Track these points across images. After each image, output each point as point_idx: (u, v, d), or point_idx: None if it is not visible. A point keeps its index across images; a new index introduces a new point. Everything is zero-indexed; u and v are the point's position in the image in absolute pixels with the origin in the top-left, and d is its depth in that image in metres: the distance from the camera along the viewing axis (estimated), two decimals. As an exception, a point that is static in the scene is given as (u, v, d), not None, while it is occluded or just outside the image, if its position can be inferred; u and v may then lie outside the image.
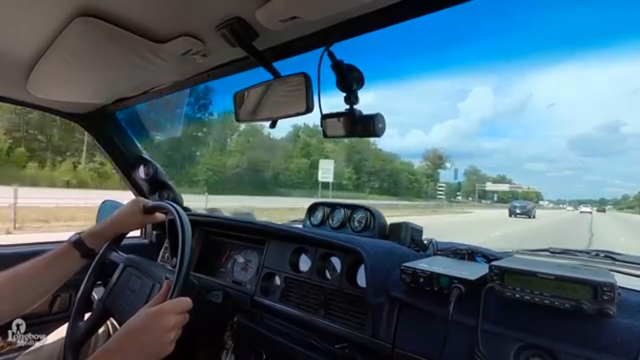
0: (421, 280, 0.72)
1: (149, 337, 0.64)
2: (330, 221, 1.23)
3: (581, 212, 45.25)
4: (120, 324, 0.86)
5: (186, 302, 0.70)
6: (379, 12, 0.63)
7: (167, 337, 0.65)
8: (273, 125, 0.91)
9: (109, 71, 0.92)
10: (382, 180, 55.43)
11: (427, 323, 0.72)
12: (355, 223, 1.16)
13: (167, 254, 1.38)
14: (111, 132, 1.42)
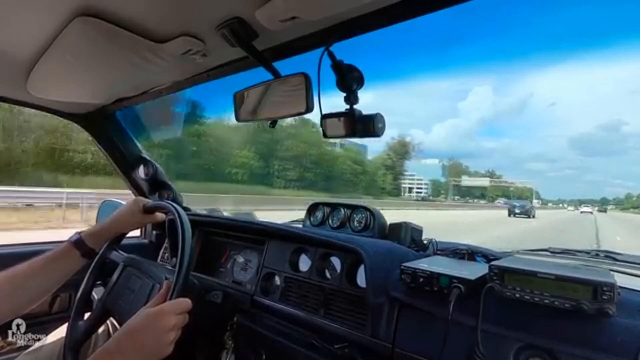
0: (421, 280, 0.72)
1: (149, 338, 0.64)
2: (330, 221, 1.23)
3: (581, 212, 45.26)
4: (120, 324, 0.86)
5: (186, 302, 0.70)
6: (379, 12, 0.63)
7: (166, 337, 0.65)
8: (273, 125, 0.91)
9: (109, 71, 0.92)
10: (304, 170, 39.47)
11: (427, 323, 0.72)
12: (355, 223, 1.16)
13: (167, 254, 1.38)
14: (111, 132, 1.42)
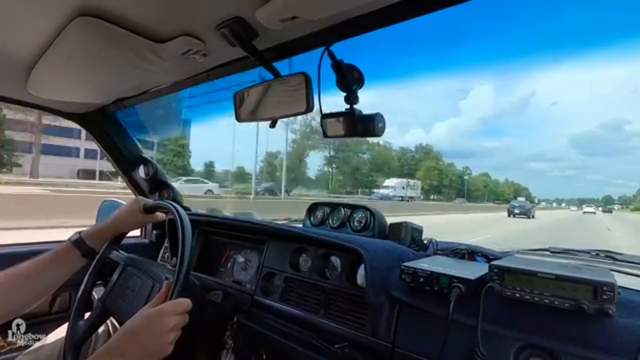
0: (421, 279, 0.72)
1: (149, 338, 0.64)
2: (330, 221, 1.23)
3: (584, 212, 44.88)
4: (120, 324, 0.86)
5: (186, 303, 0.70)
6: (379, 12, 0.64)
7: (166, 337, 0.65)
8: (273, 125, 0.91)
9: (109, 71, 0.92)
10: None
11: (427, 323, 0.72)
12: (355, 223, 1.16)
13: (167, 254, 1.38)
14: (111, 132, 1.42)
